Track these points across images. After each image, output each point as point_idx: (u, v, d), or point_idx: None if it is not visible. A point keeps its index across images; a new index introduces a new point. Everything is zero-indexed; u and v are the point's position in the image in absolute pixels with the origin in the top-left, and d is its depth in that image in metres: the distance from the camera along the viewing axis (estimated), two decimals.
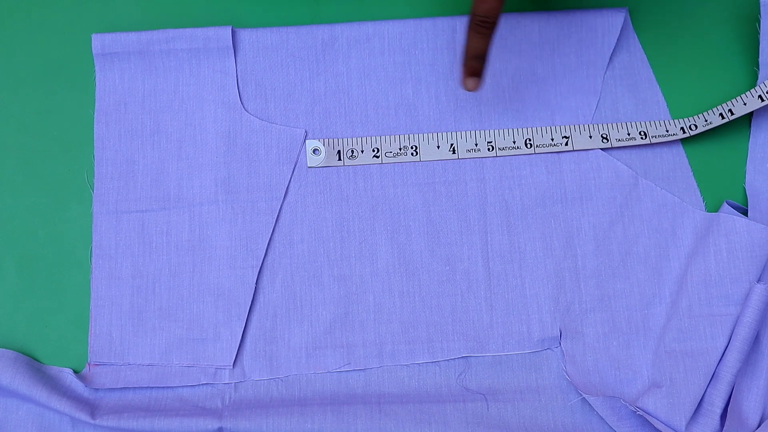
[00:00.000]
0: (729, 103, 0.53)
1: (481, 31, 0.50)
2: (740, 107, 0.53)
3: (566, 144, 0.55)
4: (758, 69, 0.54)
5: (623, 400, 0.48)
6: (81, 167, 0.55)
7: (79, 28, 0.57)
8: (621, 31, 0.55)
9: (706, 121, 0.53)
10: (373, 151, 0.54)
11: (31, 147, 0.55)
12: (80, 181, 0.55)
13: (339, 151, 0.55)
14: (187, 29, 0.55)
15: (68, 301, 0.52)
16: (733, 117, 0.53)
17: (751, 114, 0.54)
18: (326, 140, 0.54)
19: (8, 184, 0.54)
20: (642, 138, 0.54)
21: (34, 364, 0.50)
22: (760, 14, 0.55)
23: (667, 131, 0.55)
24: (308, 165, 0.54)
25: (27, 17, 0.57)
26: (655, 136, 0.54)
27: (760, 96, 0.52)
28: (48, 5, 0.57)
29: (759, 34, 0.54)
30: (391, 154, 0.54)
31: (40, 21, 0.57)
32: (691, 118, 0.54)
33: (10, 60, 0.56)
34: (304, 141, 0.55)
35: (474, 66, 0.51)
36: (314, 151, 0.55)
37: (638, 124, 0.54)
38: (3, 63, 0.56)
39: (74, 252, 0.53)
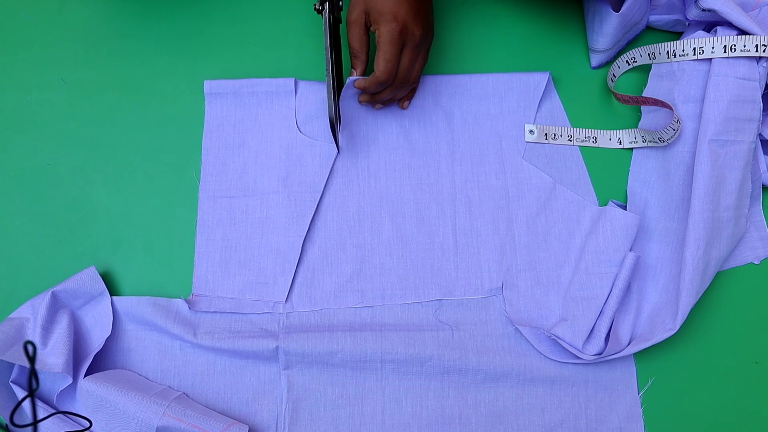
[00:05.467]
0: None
1: (352, 62, 0.57)
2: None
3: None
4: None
5: (542, 329, 0.58)
6: (191, 167, 0.64)
7: (194, 76, 0.65)
8: (546, 86, 0.65)
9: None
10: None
11: (161, 155, 0.64)
12: (191, 177, 0.64)
13: (546, 134, 0.64)
14: (264, 79, 0.64)
15: (179, 255, 0.61)
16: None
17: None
18: (538, 125, 0.63)
19: (145, 181, 0.63)
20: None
21: (153, 300, 0.59)
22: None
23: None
24: (526, 140, 0.63)
25: (167, 71, 0.66)
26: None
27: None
28: (176, 63, 0.66)
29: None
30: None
31: (172, 72, 0.66)
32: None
33: (152, 99, 0.65)
34: (337, 154, 0.63)
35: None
36: (530, 131, 0.64)
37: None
38: (149, 101, 0.65)
39: (185, 223, 0.62)
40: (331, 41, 0.57)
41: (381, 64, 0.55)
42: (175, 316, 0.59)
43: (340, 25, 0.60)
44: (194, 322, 0.59)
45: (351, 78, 0.58)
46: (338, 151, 0.62)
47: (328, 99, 0.58)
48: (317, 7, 0.58)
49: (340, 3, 0.58)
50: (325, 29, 0.57)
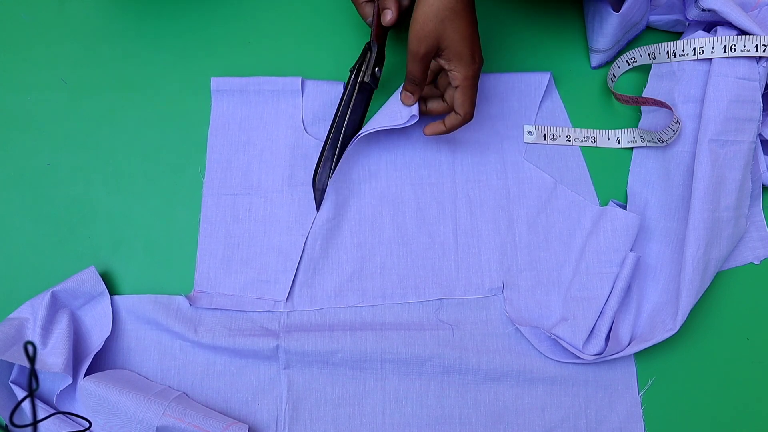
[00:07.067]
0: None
1: (408, 87, 0.57)
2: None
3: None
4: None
5: (543, 329, 0.58)
6: (192, 166, 0.64)
7: (196, 75, 0.65)
8: (546, 86, 0.65)
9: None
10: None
11: (162, 154, 0.64)
12: (191, 176, 0.64)
13: (544, 135, 0.64)
14: (271, 77, 0.64)
15: (179, 256, 0.61)
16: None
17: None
18: (537, 126, 0.64)
19: (145, 181, 0.63)
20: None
21: (154, 298, 0.59)
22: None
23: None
24: (525, 141, 0.64)
25: (168, 70, 0.66)
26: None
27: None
28: (177, 62, 0.66)
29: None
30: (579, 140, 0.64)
31: (173, 71, 0.66)
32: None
33: (153, 98, 0.65)
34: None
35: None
36: (529, 132, 0.64)
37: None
38: (150, 100, 0.65)
39: (186, 222, 0.62)
40: (344, 102, 0.60)
41: (467, 107, 0.55)
42: (176, 314, 0.59)
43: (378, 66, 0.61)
44: (195, 319, 0.59)
45: (408, 108, 0.58)
46: (317, 211, 0.62)
47: (320, 155, 0.60)
48: (352, 69, 0.60)
49: (376, 70, 0.59)
50: (346, 89, 0.60)
